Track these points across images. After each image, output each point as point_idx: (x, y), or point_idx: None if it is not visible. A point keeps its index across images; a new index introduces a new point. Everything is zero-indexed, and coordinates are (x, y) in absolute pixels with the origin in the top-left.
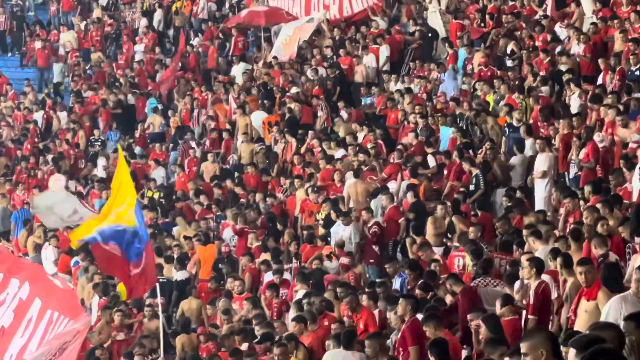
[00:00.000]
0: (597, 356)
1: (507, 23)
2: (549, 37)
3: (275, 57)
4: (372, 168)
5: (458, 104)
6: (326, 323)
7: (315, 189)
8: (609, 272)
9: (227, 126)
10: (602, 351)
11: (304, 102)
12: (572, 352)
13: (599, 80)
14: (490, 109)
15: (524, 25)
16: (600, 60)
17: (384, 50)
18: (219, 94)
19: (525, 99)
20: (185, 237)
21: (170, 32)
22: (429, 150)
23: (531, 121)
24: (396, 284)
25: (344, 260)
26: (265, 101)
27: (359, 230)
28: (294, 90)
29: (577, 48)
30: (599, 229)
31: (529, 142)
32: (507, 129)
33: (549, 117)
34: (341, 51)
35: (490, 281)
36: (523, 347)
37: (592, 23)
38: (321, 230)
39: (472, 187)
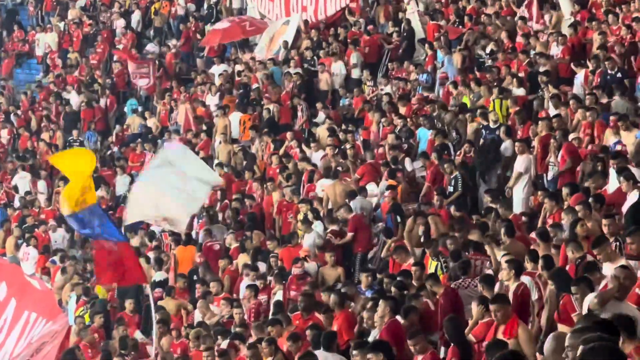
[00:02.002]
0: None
1: (484, 24)
2: (524, 40)
3: (253, 58)
4: (346, 169)
5: (435, 105)
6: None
7: (294, 189)
8: (558, 277)
9: (204, 127)
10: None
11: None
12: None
13: (580, 82)
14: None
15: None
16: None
17: (354, 58)
18: (193, 96)
19: (497, 99)
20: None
21: (150, 32)
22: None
23: (509, 122)
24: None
25: (296, 270)
26: (244, 101)
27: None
28: (254, 85)
29: (555, 50)
30: (578, 229)
31: (506, 143)
32: (483, 131)
33: (526, 119)
34: (321, 52)
35: (470, 282)
36: None
37: (571, 25)
38: (300, 232)
39: (450, 189)
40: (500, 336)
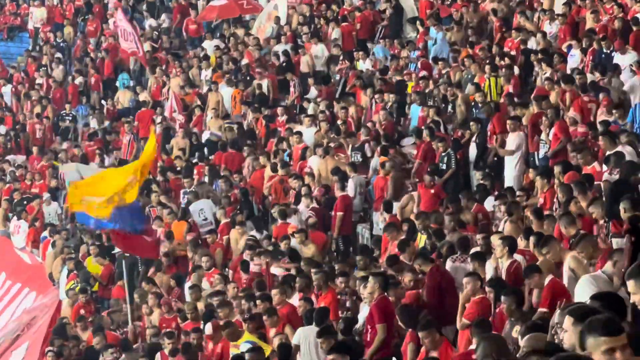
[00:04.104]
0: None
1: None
2: (519, 18)
3: (248, 34)
4: (340, 145)
5: (428, 81)
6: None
7: (285, 164)
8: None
9: (198, 102)
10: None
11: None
12: (568, 320)
13: (575, 60)
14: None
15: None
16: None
17: (335, 34)
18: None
19: (491, 77)
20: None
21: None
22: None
23: (502, 100)
24: None
25: (256, 265)
26: (234, 77)
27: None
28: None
29: (548, 28)
30: (572, 207)
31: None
32: (473, 108)
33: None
34: (304, 37)
35: (467, 258)
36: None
37: (564, 3)
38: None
39: (443, 167)
40: None
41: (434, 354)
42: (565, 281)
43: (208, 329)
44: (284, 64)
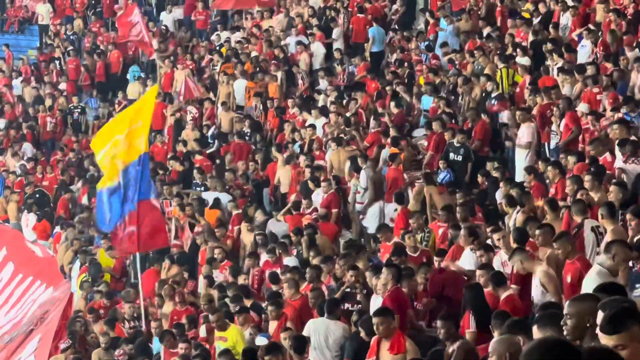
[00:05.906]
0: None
1: None
2: (531, 8)
3: (256, 26)
4: (352, 137)
5: (436, 73)
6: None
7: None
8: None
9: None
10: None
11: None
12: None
13: (586, 51)
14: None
15: None
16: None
17: (335, 33)
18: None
19: (503, 68)
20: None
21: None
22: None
23: (517, 90)
24: None
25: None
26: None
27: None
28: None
29: (562, 19)
30: (579, 197)
31: (506, 111)
32: (490, 100)
33: (538, 90)
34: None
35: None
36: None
37: None
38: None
39: (459, 158)
40: (385, 352)
41: (387, 343)
42: (534, 293)
43: (202, 331)
44: (282, 58)
